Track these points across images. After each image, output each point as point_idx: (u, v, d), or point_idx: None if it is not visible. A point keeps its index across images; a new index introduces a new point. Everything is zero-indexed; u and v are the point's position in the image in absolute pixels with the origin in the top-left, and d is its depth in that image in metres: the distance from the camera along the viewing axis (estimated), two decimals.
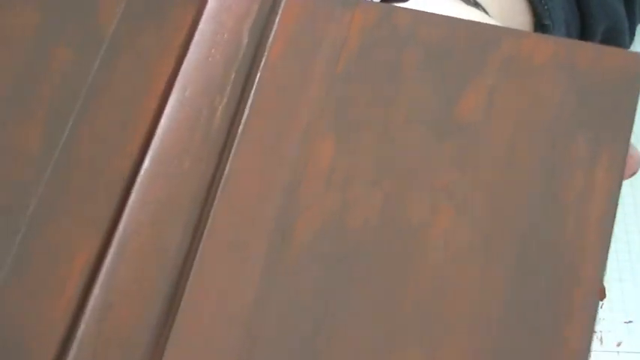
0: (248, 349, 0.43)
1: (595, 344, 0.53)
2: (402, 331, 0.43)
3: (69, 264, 0.46)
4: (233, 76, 0.52)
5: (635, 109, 0.48)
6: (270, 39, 0.53)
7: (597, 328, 1.07)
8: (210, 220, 0.47)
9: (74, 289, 0.45)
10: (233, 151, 0.49)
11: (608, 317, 1.15)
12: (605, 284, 0.46)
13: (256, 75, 0.51)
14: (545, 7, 0.69)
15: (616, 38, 0.78)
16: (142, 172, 0.49)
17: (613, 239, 0.45)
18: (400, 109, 0.49)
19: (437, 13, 0.56)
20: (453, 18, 0.53)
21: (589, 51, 0.50)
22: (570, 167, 0.45)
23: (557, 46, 0.50)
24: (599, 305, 0.44)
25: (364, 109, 0.49)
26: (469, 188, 0.46)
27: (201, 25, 0.54)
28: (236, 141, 0.49)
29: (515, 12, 0.69)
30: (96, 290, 0.45)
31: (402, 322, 0.43)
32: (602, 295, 0.44)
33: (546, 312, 0.42)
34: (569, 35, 0.74)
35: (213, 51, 0.53)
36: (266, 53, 0.52)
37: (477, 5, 0.65)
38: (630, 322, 1.15)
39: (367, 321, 0.43)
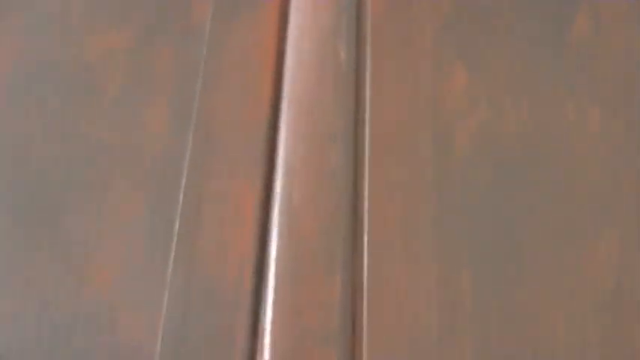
0: (441, 238, 0.44)
1: None
2: (590, 216, 0.44)
3: (242, 205, 0.46)
4: (345, 25, 0.53)
5: None
6: None
7: None
8: (368, 140, 0.47)
9: (253, 222, 0.45)
10: (368, 82, 0.50)
11: None
12: None
13: (367, 23, 0.53)
14: None
15: None
16: (283, 114, 0.50)
17: None
18: (517, 35, 0.51)
19: None
20: None
21: None
22: None
23: None
24: None
25: (482, 40, 0.51)
26: (607, 88, 0.49)
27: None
28: (368, 74, 0.50)
29: None
30: (274, 220, 0.45)
31: (586, 202, 0.44)
32: None
33: None
34: None
35: (316, 12, 0.55)
36: (370, 5, 0.54)
37: None
38: None
39: (553, 211, 0.44)
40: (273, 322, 0.42)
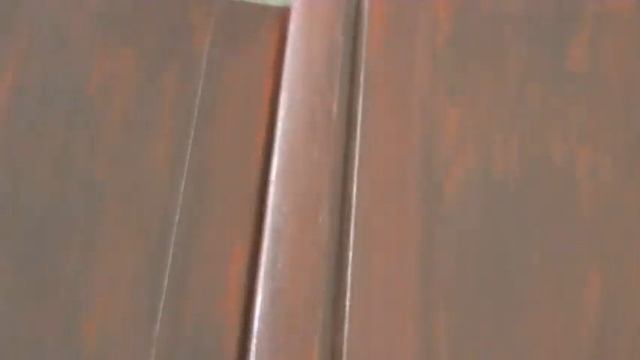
0: (426, 300, 0.44)
1: None
2: (578, 255, 0.44)
3: (227, 265, 0.47)
4: (338, 73, 0.54)
5: None
6: (365, 34, 0.55)
7: None
8: (355, 199, 0.48)
9: (239, 285, 0.47)
10: (358, 134, 0.50)
11: None
12: None
13: (360, 67, 0.53)
14: None
15: None
16: (274, 168, 0.50)
17: None
18: (509, 73, 0.51)
19: None
20: None
21: None
22: None
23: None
24: None
25: (474, 79, 0.52)
26: (599, 128, 0.49)
27: (291, 37, 0.57)
28: (358, 126, 0.51)
29: None
30: (260, 283, 0.46)
31: (571, 249, 0.45)
32: None
33: None
34: None
35: (311, 55, 0.55)
36: (364, 48, 0.54)
37: None
38: None
39: (541, 253, 0.45)
40: None
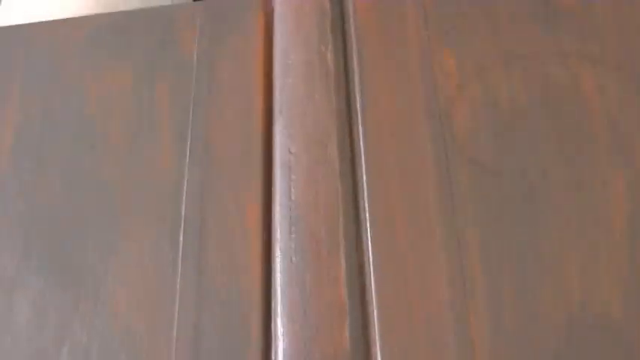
0: (448, 219, 0.43)
1: None
2: (598, 160, 0.44)
3: (243, 217, 0.47)
4: (329, 28, 0.54)
5: None
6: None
7: None
8: (361, 128, 0.47)
9: (256, 234, 0.46)
10: (357, 78, 0.50)
11: None
12: None
13: (350, 22, 0.53)
14: None
15: None
16: (276, 119, 0.50)
17: None
18: (501, 14, 0.51)
19: None
20: None
21: None
22: None
23: None
24: None
25: (467, 24, 0.51)
26: (597, 49, 0.48)
27: (278, 7, 0.57)
28: (356, 70, 0.50)
29: None
30: (276, 215, 0.45)
31: (593, 154, 0.44)
32: None
33: None
34: None
35: (299, 22, 0.55)
36: (351, 4, 0.54)
37: None
38: None
39: (561, 160, 0.44)
40: (284, 321, 0.42)
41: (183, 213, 0.47)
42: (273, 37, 0.56)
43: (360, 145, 0.47)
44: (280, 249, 0.44)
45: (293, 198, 0.45)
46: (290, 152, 0.47)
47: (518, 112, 0.46)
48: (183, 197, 0.48)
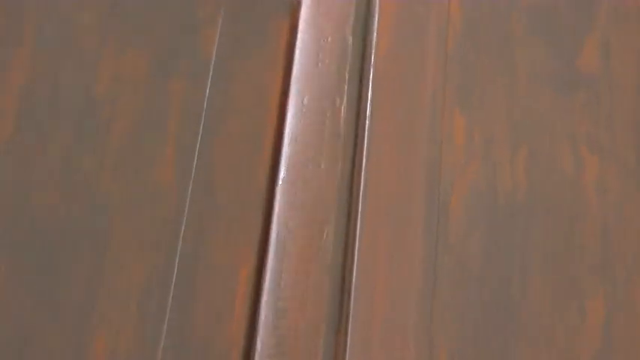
0: (427, 326, 0.44)
1: None
2: (581, 279, 0.44)
3: (234, 279, 0.47)
4: (347, 76, 0.53)
5: None
6: (375, 35, 0.54)
7: None
8: (360, 215, 0.48)
9: (244, 302, 0.47)
10: (365, 144, 0.50)
11: None
12: None
13: (369, 70, 0.53)
14: None
15: None
16: (280, 181, 0.50)
17: None
18: (521, 73, 0.50)
19: None
20: None
21: None
22: None
23: None
24: None
25: (484, 79, 0.50)
26: (607, 134, 0.47)
27: (301, 34, 0.56)
28: (366, 135, 0.50)
29: None
30: (263, 300, 0.46)
31: (578, 270, 0.44)
32: None
33: None
34: None
35: (320, 56, 0.54)
36: (374, 48, 0.53)
37: None
38: None
39: (544, 276, 0.44)
40: None
41: (177, 260, 0.48)
42: (293, 63, 0.55)
43: (355, 232, 0.47)
44: (262, 341, 0.45)
45: (282, 287, 0.46)
46: (288, 229, 0.48)
47: (514, 209, 0.46)
48: (180, 240, 0.48)
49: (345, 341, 0.44)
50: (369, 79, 0.52)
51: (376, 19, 0.54)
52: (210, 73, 0.54)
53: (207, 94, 0.53)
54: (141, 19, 0.55)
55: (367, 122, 0.50)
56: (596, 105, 0.48)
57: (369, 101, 0.51)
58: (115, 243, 0.48)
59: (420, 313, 0.44)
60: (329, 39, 0.55)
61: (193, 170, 0.51)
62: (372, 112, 0.50)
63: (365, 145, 0.50)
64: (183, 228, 0.49)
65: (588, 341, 0.42)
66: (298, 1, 0.58)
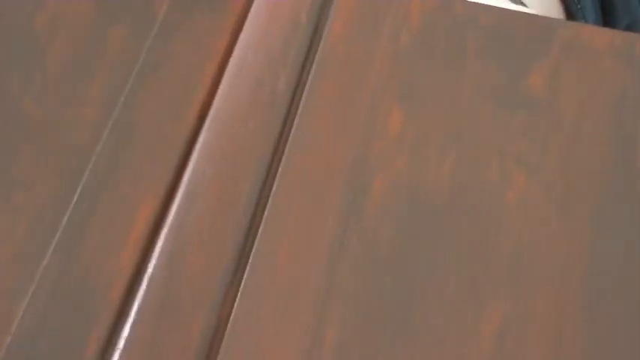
0: (324, 300, 0.42)
1: None
2: (483, 287, 0.43)
3: (133, 214, 0.45)
4: (293, 52, 0.53)
5: None
6: (329, 20, 0.54)
7: None
8: (279, 176, 0.47)
9: (139, 236, 0.45)
10: (299, 115, 0.49)
11: None
12: None
13: (317, 52, 0.52)
14: (579, 6, 0.73)
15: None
16: (204, 130, 0.49)
17: None
18: (466, 84, 0.50)
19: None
20: (509, 9, 0.54)
21: None
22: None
23: (614, 35, 0.52)
24: None
25: (429, 82, 0.50)
26: (539, 155, 0.47)
27: (255, 9, 0.55)
28: (301, 107, 0.50)
29: (552, 11, 0.72)
30: (162, 238, 0.44)
31: (483, 279, 0.43)
32: None
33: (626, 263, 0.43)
34: None
35: (270, 28, 0.54)
36: (325, 33, 0.53)
37: (521, 4, 0.68)
38: None
39: (447, 277, 0.43)
40: (129, 342, 0.41)
41: (79, 189, 0.46)
42: (242, 30, 0.54)
43: (269, 196, 0.46)
44: (150, 277, 0.43)
45: (184, 232, 0.45)
46: (204, 176, 0.47)
47: (433, 207, 0.46)
48: (88, 168, 0.47)
49: (236, 295, 0.43)
50: (313, 61, 0.52)
51: (333, 6, 0.54)
52: (156, 27, 0.53)
53: (147, 44, 0.52)
54: None
55: (303, 100, 0.50)
56: (534, 127, 0.48)
57: (309, 81, 0.50)
58: (21, 159, 0.46)
59: (317, 288, 0.43)
60: (283, 14, 0.54)
61: (117, 108, 0.49)
62: (310, 91, 0.50)
63: (296, 119, 0.49)
64: (94, 158, 0.47)
65: (479, 350, 0.41)
66: None
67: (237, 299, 0.42)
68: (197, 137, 0.49)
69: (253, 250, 0.44)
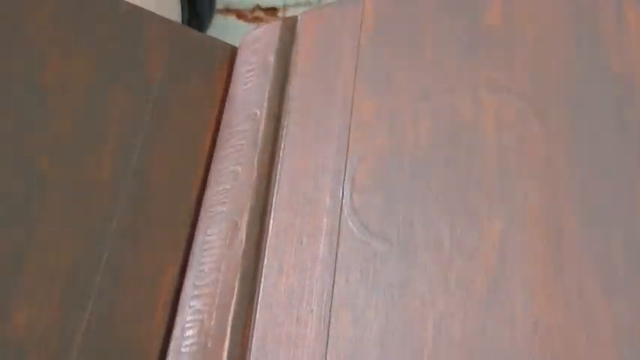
0: (328, 295, 0.44)
1: None
2: (478, 205, 0.43)
3: (159, 278, 0.49)
4: (268, 89, 0.56)
5: None
6: (296, 50, 0.57)
7: None
8: (273, 208, 0.50)
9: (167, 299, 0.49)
10: (282, 146, 0.53)
11: None
12: None
13: (291, 78, 0.56)
14: None
15: None
16: (208, 189, 0.53)
17: None
18: (427, 45, 0.51)
19: None
20: None
21: None
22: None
23: None
24: None
25: (392, 67, 0.52)
26: (507, 75, 0.47)
27: (237, 67, 0.60)
28: (283, 137, 0.53)
29: None
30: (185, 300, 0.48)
31: (475, 198, 0.43)
32: None
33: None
34: None
35: (247, 77, 0.58)
36: (295, 62, 0.57)
37: None
38: None
39: (441, 208, 0.44)
40: None
41: (106, 253, 0.49)
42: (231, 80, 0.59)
43: (269, 221, 0.49)
44: (175, 336, 0.46)
45: (197, 285, 0.48)
46: (207, 234, 0.50)
47: (416, 164, 0.46)
48: (111, 230, 0.50)
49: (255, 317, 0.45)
50: (288, 89, 0.55)
51: (299, 37, 0.58)
52: (155, 87, 0.57)
53: (150, 105, 0.56)
54: (92, 27, 0.57)
55: (285, 126, 0.53)
56: (497, 55, 0.48)
57: (288, 103, 0.54)
58: (45, 225, 0.49)
59: (322, 289, 0.45)
60: (254, 65, 0.59)
61: (131, 169, 0.53)
62: (291, 111, 0.54)
63: (283, 140, 0.53)
64: (114, 224, 0.50)
65: (484, 260, 0.41)
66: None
67: (253, 327, 0.45)
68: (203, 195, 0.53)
69: (265, 263, 0.47)
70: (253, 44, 0.60)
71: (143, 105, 0.56)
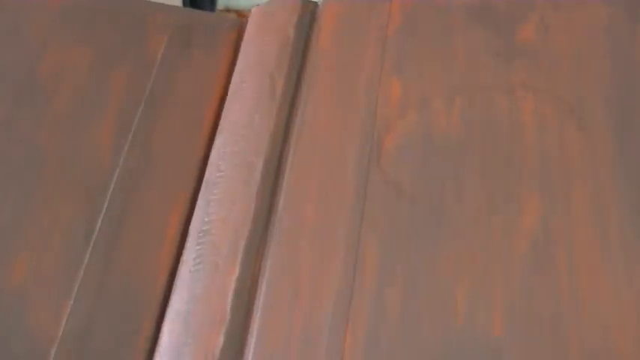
0: (356, 232, 0.42)
1: None
2: (518, 191, 0.42)
3: (166, 217, 0.47)
4: (288, 57, 0.54)
5: None
6: (318, 28, 0.56)
7: None
8: (291, 156, 0.47)
9: (172, 239, 0.46)
10: (301, 106, 0.50)
11: None
12: None
13: (310, 54, 0.54)
14: None
15: None
16: (218, 136, 0.50)
17: None
18: (459, 49, 0.51)
19: None
20: None
21: None
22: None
23: None
24: None
25: (422, 56, 0.51)
26: (544, 81, 0.47)
27: (247, 34, 0.58)
28: (302, 100, 0.51)
29: None
30: (191, 226, 0.45)
31: (515, 184, 0.43)
32: None
33: None
34: None
35: (264, 48, 0.55)
36: (316, 38, 0.55)
37: None
38: None
39: (482, 187, 0.43)
40: (169, 327, 0.41)
41: (106, 203, 0.47)
42: (239, 52, 0.56)
43: (287, 164, 0.47)
44: (184, 260, 0.44)
45: (209, 212, 0.45)
46: (219, 170, 0.48)
47: (450, 144, 0.46)
48: (112, 185, 0.48)
49: (268, 250, 0.43)
50: (308, 61, 0.53)
51: (321, 18, 0.56)
52: (156, 66, 0.55)
53: (150, 82, 0.54)
54: (90, 24, 0.56)
55: (306, 85, 0.51)
56: (533, 64, 0.49)
57: (309, 72, 0.52)
58: (46, 183, 0.48)
59: (347, 230, 0.43)
60: (272, 35, 0.56)
61: (130, 134, 0.51)
62: (312, 77, 0.51)
63: (302, 103, 0.50)
64: (115, 176, 0.49)
65: (524, 238, 0.40)
66: (244, 21, 0.60)
67: (267, 254, 0.42)
68: (211, 145, 0.51)
69: (280, 206, 0.44)
70: (269, 17, 0.57)
71: (144, 81, 0.54)
